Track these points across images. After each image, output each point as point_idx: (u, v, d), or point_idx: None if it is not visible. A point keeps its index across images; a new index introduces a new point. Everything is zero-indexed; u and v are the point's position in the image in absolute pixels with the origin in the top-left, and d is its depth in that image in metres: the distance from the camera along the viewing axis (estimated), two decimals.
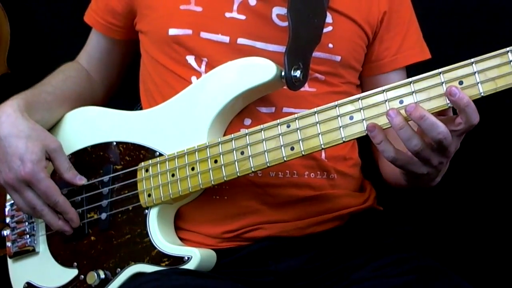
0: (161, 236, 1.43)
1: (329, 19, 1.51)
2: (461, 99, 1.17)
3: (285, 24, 1.44)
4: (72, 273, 1.51)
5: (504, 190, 1.94)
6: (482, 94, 1.18)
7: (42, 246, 1.58)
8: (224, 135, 1.44)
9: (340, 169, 1.53)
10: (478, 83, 1.18)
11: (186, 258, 1.40)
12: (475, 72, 1.18)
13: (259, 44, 1.47)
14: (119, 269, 1.45)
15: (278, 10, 1.48)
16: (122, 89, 1.81)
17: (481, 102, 1.18)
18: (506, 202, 1.93)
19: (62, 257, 1.54)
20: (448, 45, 1.81)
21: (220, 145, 1.38)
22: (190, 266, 1.40)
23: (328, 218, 1.49)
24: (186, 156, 1.42)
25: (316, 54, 1.47)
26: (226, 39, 1.47)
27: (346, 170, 1.55)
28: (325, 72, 1.52)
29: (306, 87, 1.49)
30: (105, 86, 1.79)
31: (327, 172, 1.51)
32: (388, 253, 1.47)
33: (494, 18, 1.86)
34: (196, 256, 1.40)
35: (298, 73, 1.38)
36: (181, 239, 1.49)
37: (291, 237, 1.47)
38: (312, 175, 1.49)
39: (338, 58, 1.53)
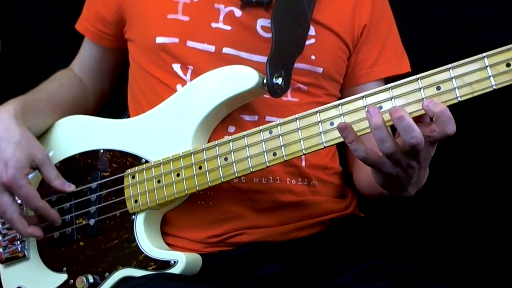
0: (147, 241, 1.40)
1: (312, 31, 1.48)
2: (434, 106, 1.12)
3: (269, 35, 1.42)
4: (62, 277, 1.48)
5: (483, 196, 1.91)
6: (459, 99, 1.14)
7: (33, 252, 1.54)
8: (209, 141, 1.41)
9: (320, 176, 1.50)
10: (455, 88, 1.14)
11: (172, 262, 1.36)
12: (452, 78, 1.15)
13: (243, 54, 1.45)
14: (107, 274, 1.42)
15: (262, 22, 1.46)
16: (110, 97, 1.78)
17: (459, 111, 1.15)
18: (485, 208, 1.90)
19: (52, 262, 1.50)
20: (426, 56, 1.78)
21: (204, 151, 1.35)
22: (176, 270, 1.36)
23: (310, 223, 1.46)
24: (171, 162, 1.39)
25: (298, 65, 1.45)
26: (211, 48, 1.45)
27: (326, 178, 1.51)
28: (308, 83, 1.49)
29: (289, 97, 1.47)
30: (97, 94, 1.75)
31: (308, 179, 1.47)
32: (370, 258, 1.43)
33: (471, 30, 1.85)
34: (182, 260, 1.36)
35: (279, 81, 1.36)
36: (167, 244, 1.45)
37: (275, 242, 1.43)
38: (294, 181, 1.45)
39: (320, 70, 1.50)
